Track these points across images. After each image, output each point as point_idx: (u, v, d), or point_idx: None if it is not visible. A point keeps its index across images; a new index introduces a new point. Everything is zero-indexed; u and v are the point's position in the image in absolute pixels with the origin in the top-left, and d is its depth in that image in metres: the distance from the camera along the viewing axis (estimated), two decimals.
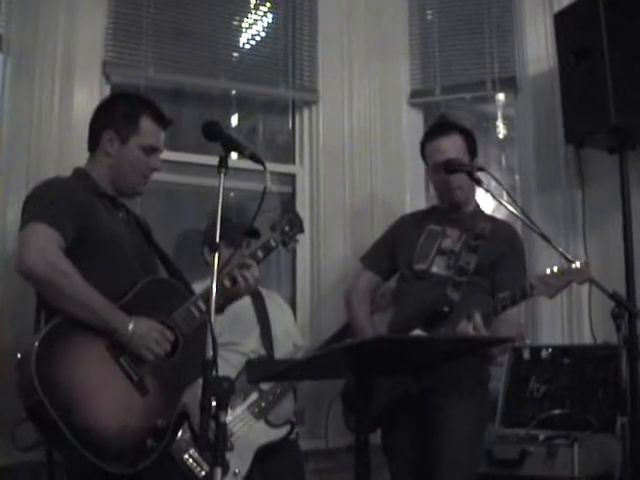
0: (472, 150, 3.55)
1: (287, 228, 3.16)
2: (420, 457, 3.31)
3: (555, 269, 3.07)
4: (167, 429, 2.67)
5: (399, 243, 3.67)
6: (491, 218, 3.63)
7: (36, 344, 2.46)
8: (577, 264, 3.05)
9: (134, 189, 2.98)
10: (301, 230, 3.24)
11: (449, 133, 3.53)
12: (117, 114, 2.92)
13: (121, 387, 2.59)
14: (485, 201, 3.78)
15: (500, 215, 3.90)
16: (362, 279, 3.75)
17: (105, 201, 2.90)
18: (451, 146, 3.49)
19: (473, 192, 3.59)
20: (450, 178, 3.43)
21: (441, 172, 3.45)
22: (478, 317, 3.09)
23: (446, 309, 3.29)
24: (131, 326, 2.60)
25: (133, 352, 2.62)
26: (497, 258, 3.42)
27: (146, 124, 2.92)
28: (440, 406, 3.26)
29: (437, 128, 3.63)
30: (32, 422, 2.49)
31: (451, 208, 3.58)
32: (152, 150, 2.94)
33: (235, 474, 3.38)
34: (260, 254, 3.04)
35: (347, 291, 3.80)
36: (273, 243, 3.10)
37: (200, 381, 2.18)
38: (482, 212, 3.66)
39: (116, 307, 2.63)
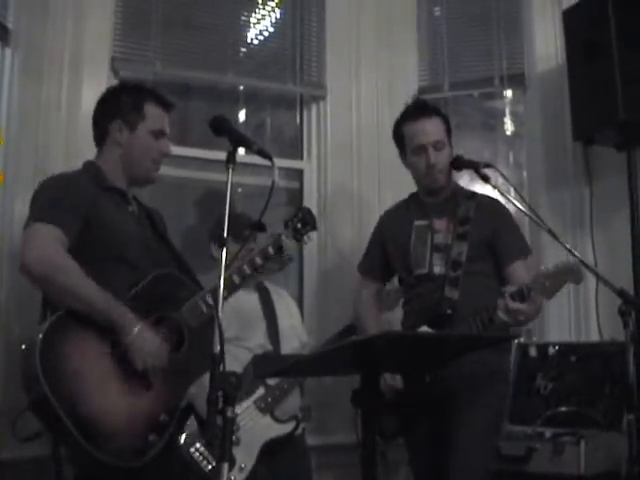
0: (450, 133, 3.51)
1: (299, 225, 3.14)
2: (439, 450, 3.29)
3: (549, 268, 3.05)
4: (170, 424, 2.67)
5: (390, 242, 3.60)
6: (472, 195, 3.53)
7: (40, 336, 2.45)
8: (570, 263, 3.01)
9: (147, 176, 3.00)
10: (313, 228, 3.22)
11: (431, 115, 3.48)
12: (121, 104, 2.94)
13: (125, 381, 2.60)
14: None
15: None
16: (364, 289, 3.69)
17: (113, 194, 2.90)
18: (435, 128, 3.44)
19: (451, 173, 3.50)
20: (435, 162, 3.39)
21: (423, 155, 3.41)
22: (510, 301, 3.04)
23: (449, 311, 3.27)
24: (136, 329, 2.60)
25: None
26: (491, 235, 3.38)
27: (151, 109, 2.95)
28: (459, 399, 3.22)
29: (419, 110, 3.53)
30: (35, 415, 2.49)
31: (431, 192, 3.52)
32: (160, 134, 2.96)
33: (241, 469, 3.38)
34: (271, 251, 3.04)
35: (354, 304, 3.72)
36: (285, 240, 3.10)
37: (208, 374, 2.17)
38: (462, 189, 3.59)
39: (121, 304, 2.62)
